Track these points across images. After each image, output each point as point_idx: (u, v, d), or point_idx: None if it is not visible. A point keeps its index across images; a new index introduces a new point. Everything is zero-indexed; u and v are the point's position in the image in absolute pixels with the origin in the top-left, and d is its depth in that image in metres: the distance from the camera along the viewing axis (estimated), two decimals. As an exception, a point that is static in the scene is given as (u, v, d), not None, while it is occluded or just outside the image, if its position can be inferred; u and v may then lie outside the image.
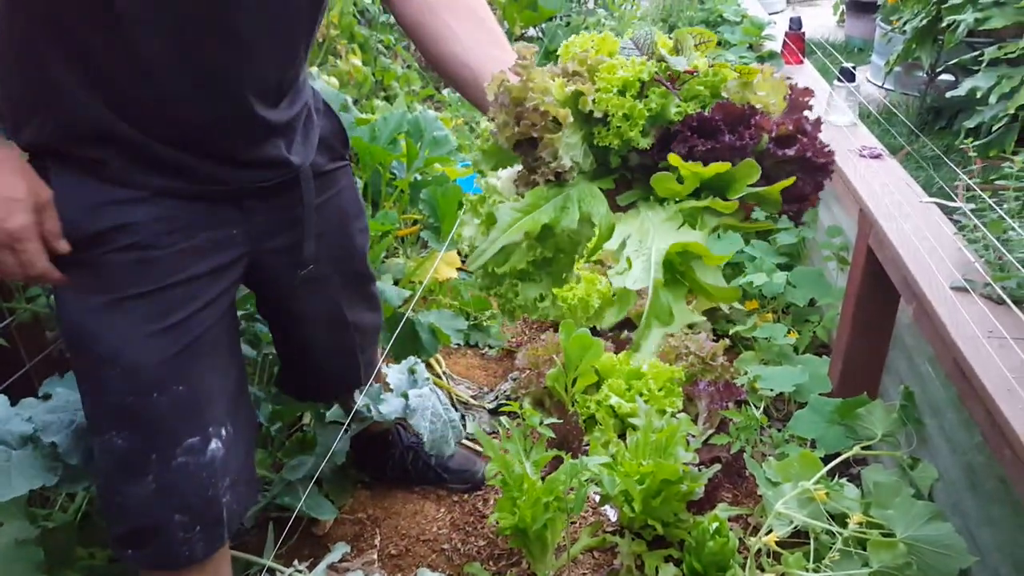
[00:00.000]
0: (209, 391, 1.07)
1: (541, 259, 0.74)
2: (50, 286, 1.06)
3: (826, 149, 0.71)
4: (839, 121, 2.28)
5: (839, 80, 2.29)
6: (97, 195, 0.97)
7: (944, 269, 1.50)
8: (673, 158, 0.69)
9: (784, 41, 3.06)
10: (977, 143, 2.96)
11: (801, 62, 3.01)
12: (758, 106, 0.71)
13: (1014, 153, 2.54)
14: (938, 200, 1.79)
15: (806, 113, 0.73)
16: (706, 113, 0.71)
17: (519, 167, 0.74)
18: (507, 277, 0.74)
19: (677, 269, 0.68)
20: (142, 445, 1.03)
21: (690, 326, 1.25)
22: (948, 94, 3.30)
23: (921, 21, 3.47)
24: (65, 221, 0.96)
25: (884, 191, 1.85)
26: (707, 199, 0.68)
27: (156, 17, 0.89)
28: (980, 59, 3.02)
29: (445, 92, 3.63)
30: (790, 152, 0.70)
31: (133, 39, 0.89)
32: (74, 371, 1.06)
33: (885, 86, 4.22)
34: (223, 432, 1.09)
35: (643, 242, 0.67)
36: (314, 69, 2.82)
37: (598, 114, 0.70)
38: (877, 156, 2.07)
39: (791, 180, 0.69)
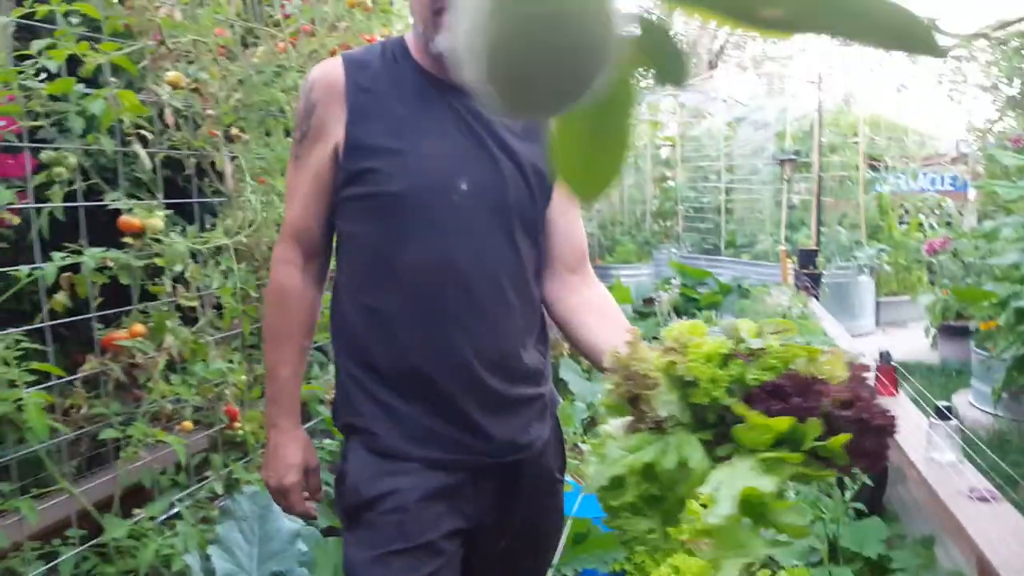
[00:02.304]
0: None
1: (650, 496, 0.88)
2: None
3: (885, 412, 0.86)
4: (941, 459, 2.28)
5: (936, 418, 2.34)
6: (374, 467, 1.24)
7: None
8: (749, 415, 0.85)
9: (876, 375, 3.16)
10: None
11: (894, 394, 3.08)
12: (821, 376, 0.88)
13: None
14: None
15: (865, 384, 0.89)
16: (778, 381, 0.88)
17: (630, 418, 0.92)
18: (622, 510, 0.89)
19: (754, 509, 0.81)
20: None
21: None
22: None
23: (1018, 350, 3.57)
24: (350, 487, 1.25)
25: (1000, 540, 1.78)
26: (782, 451, 0.83)
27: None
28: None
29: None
30: (848, 413, 0.85)
31: (377, 298, 1.22)
32: None
33: (992, 412, 4.18)
34: None
35: (729, 485, 0.81)
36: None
37: (689, 378, 0.89)
38: (988, 499, 2.02)
39: (847, 436, 0.83)
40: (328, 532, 1.97)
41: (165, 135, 1.78)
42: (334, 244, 1.33)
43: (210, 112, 1.85)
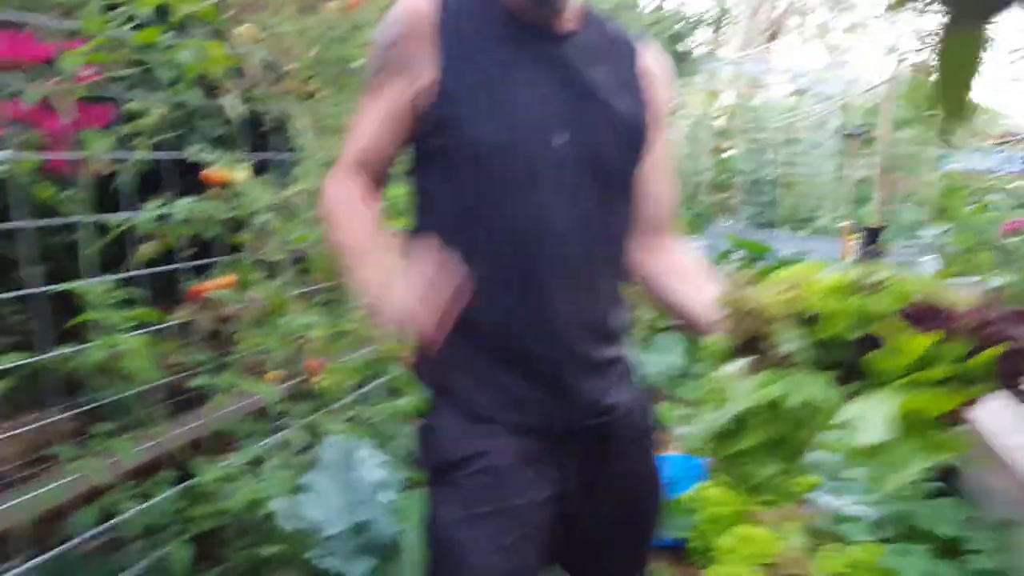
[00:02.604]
0: None
1: (770, 441, 0.87)
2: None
3: (1018, 341, 0.82)
4: None
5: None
6: (463, 428, 1.19)
7: None
8: (893, 336, 0.83)
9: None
10: None
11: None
12: (945, 305, 0.86)
13: None
14: None
15: (995, 308, 0.86)
16: (906, 309, 0.85)
17: (750, 358, 0.90)
18: (743, 456, 0.88)
19: (908, 427, 0.80)
20: None
21: None
22: None
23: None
24: (437, 445, 1.20)
25: None
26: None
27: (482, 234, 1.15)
28: None
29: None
30: (981, 337, 0.82)
31: (466, 258, 1.10)
32: (430, 562, 1.21)
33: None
34: None
35: (867, 414, 0.80)
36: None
37: (810, 314, 0.87)
38: None
39: (996, 350, 0.80)
40: (409, 485, 2.00)
41: (244, 89, 1.80)
42: (412, 195, 1.26)
43: (290, 66, 1.86)
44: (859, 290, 0.88)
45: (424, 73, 1.13)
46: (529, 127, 1.13)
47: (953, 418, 0.84)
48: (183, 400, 2.37)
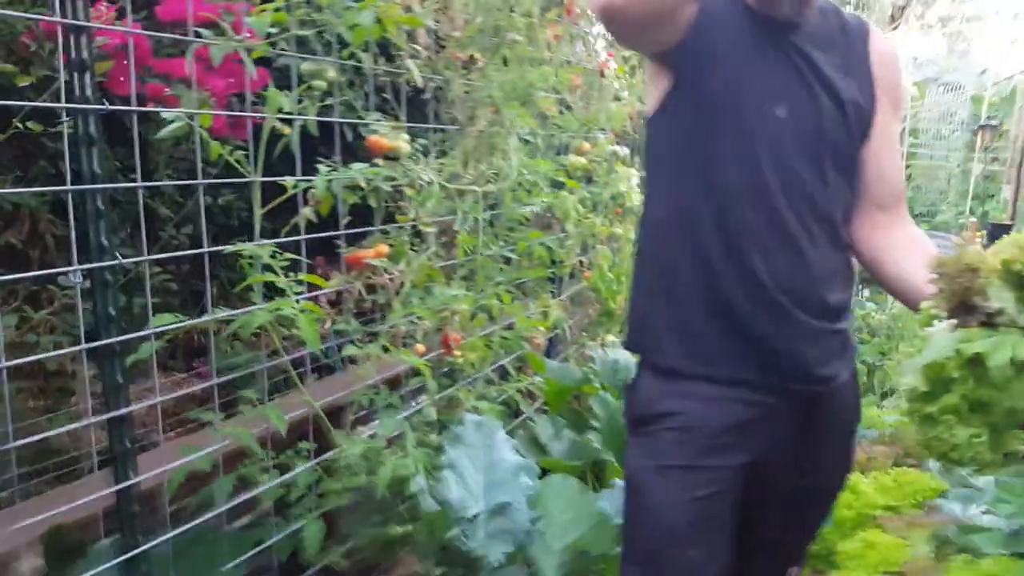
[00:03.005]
0: (712, 565, 1.25)
1: (975, 402, 0.81)
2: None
3: None
4: None
5: None
6: (666, 386, 1.26)
7: None
8: None
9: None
10: None
11: None
12: None
13: None
14: None
15: None
16: None
17: (954, 320, 0.85)
18: (940, 417, 0.82)
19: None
20: None
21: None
22: None
23: None
24: (639, 398, 1.30)
25: None
26: None
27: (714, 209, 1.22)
28: None
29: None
30: None
31: (691, 202, 1.24)
32: (624, 507, 1.31)
33: None
34: None
35: None
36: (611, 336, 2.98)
37: None
38: None
39: None
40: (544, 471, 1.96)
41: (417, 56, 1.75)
42: (646, 145, 1.36)
43: (455, 34, 1.80)
44: None
45: (684, 29, 1.21)
46: (753, 97, 1.21)
47: None
48: (322, 367, 2.38)
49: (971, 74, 7.87)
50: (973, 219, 6.69)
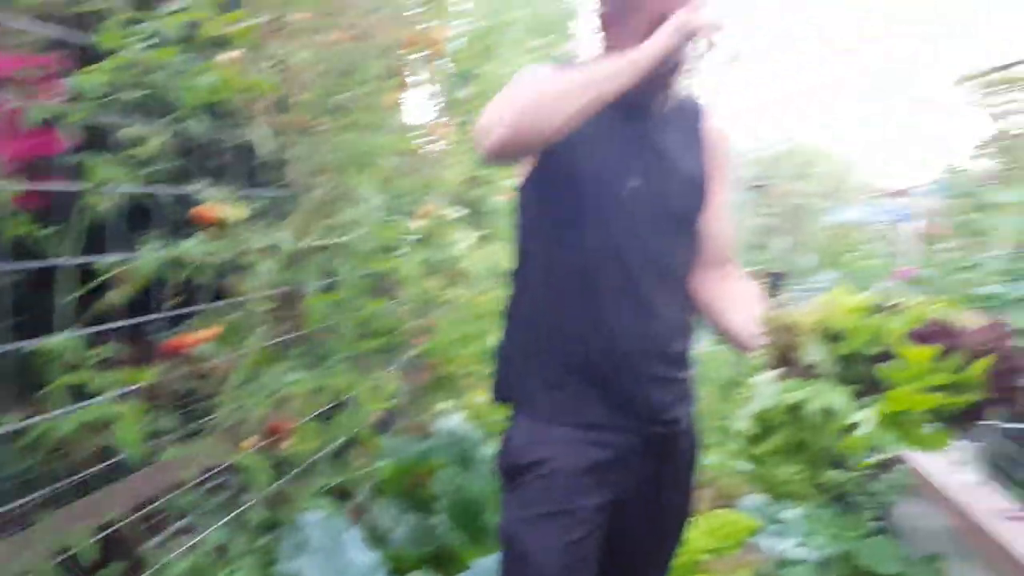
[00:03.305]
0: None
1: (795, 443, 0.96)
2: None
3: (1016, 359, 0.93)
4: (968, 479, 2.46)
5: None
6: (534, 435, 1.34)
7: None
8: (904, 349, 0.92)
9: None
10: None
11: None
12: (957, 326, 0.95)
13: None
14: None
15: (1001, 330, 0.96)
16: (922, 329, 0.94)
17: (779, 370, 1.01)
18: (768, 455, 0.97)
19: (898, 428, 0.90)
20: None
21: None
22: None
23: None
24: (510, 454, 1.36)
25: None
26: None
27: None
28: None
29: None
30: (985, 353, 0.92)
31: (557, 268, 1.35)
32: (501, 564, 1.35)
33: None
34: None
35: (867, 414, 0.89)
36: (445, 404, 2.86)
37: (836, 331, 0.97)
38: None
39: (987, 361, 0.90)
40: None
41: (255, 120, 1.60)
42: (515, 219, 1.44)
43: (300, 97, 1.68)
44: (878, 312, 0.99)
45: None
46: (606, 173, 1.34)
47: (964, 421, 0.95)
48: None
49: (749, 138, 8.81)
50: (752, 268, 7.41)
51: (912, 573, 2.45)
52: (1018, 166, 5.29)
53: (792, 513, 2.93)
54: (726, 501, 3.46)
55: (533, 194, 1.39)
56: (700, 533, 2.86)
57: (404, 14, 2.12)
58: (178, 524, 1.67)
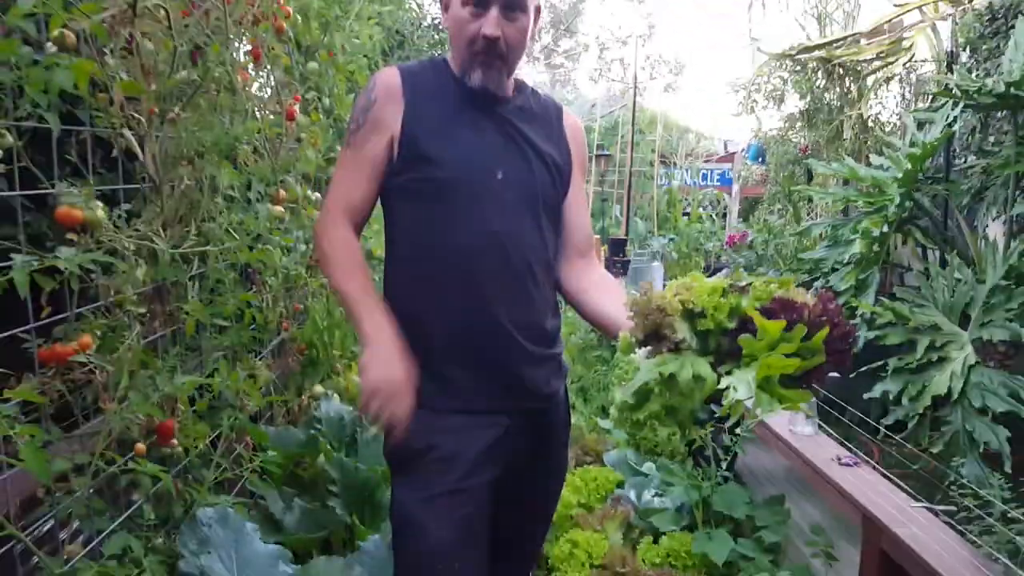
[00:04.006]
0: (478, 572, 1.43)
1: (669, 407, 1.08)
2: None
3: (847, 321, 1.08)
4: (804, 431, 2.78)
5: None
6: (423, 422, 1.38)
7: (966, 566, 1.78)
8: (759, 319, 1.05)
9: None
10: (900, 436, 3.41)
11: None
12: (798, 300, 1.09)
13: (929, 441, 3.05)
14: (928, 505, 2.17)
15: (831, 302, 1.10)
16: (769, 305, 1.09)
17: (649, 348, 1.13)
18: (646, 421, 1.09)
19: (766, 389, 1.03)
20: None
21: None
22: (864, 395, 3.84)
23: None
24: (402, 441, 1.37)
25: (879, 496, 2.22)
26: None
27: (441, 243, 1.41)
28: (885, 368, 3.59)
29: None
30: (821, 323, 1.06)
31: (429, 269, 1.42)
32: (393, 541, 1.43)
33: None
34: None
35: (738, 383, 1.02)
36: (319, 387, 2.87)
37: (697, 310, 1.09)
38: (854, 464, 2.47)
39: (825, 331, 1.04)
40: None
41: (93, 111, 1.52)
42: (384, 224, 1.49)
43: (151, 88, 1.60)
44: (732, 291, 1.12)
45: (395, 126, 1.43)
46: (475, 164, 1.42)
47: (806, 381, 1.09)
48: None
49: (582, 107, 9.08)
50: (596, 236, 7.74)
51: (759, 513, 2.73)
52: (821, 140, 5.83)
53: (650, 466, 3.15)
54: (591, 457, 3.67)
55: (401, 191, 1.44)
56: (571, 490, 3.04)
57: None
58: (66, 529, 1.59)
